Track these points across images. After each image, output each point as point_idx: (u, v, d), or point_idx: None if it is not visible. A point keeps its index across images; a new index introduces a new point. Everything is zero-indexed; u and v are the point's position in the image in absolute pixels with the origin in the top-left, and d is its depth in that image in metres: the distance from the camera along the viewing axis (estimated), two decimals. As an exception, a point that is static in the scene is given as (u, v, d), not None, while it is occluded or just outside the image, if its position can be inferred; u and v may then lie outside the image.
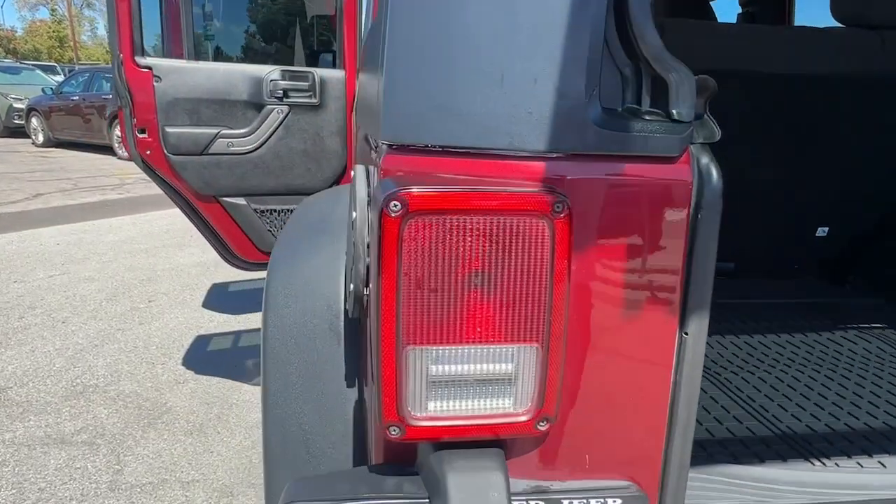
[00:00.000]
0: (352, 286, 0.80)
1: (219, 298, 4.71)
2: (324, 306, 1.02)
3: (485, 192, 0.64)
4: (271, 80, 2.48)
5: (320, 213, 1.36)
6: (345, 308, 1.02)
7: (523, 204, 0.63)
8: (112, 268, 5.41)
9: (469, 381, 0.68)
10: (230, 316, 4.35)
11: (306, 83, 2.54)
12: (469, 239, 0.63)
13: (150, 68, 2.33)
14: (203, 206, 2.53)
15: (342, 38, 2.64)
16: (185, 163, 2.43)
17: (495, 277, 0.64)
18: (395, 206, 0.63)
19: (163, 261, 5.68)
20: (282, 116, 2.52)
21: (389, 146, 0.69)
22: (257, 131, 2.50)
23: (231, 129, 2.48)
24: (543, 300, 0.65)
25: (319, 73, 2.57)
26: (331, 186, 2.70)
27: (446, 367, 0.68)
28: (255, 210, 2.60)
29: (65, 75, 18.36)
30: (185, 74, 2.38)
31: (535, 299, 0.65)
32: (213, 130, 2.45)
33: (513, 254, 0.64)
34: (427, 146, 0.68)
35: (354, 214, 0.79)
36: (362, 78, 1.39)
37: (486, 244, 0.63)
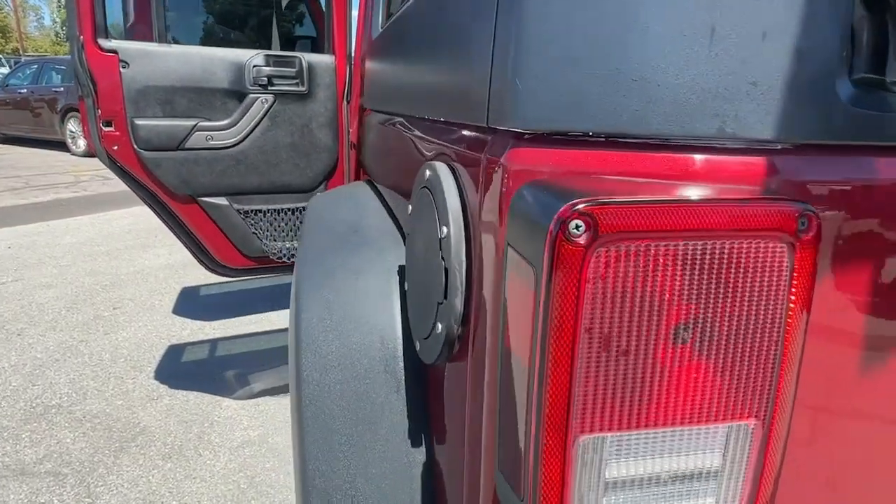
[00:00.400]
0: (438, 326, 0.60)
1: (190, 303, 4.40)
2: (376, 342, 0.80)
3: (711, 204, 0.44)
4: (254, 66, 2.23)
5: (347, 220, 1.15)
6: (404, 344, 0.80)
7: (758, 220, 0.43)
8: (71, 273, 5.03)
9: (660, 480, 0.48)
10: (204, 322, 4.06)
11: (293, 69, 2.30)
12: (681, 273, 0.43)
13: (115, 52, 2.05)
14: (179, 208, 2.27)
15: (331, 19, 2.40)
16: (159, 159, 2.17)
17: (711, 328, 0.44)
18: (578, 226, 0.42)
19: (126, 263, 5.31)
20: (266, 106, 2.27)
21: (519, 135, 0.48)
22: (239, 123, 2.25)
23: (210, 120, 2.22)
24: (771, 357, 0.46)
25: (307, 58, 2.32)
26: (321, 183, 2.47)
27: (632, 463, 0.48)
28: (238, 211, 2.34)
29: (10, 67, 17.37)
30: (157, 59, 2.10)
31: (762, 357, 0.46)
32: (190, 123, 2.18)
33: (738, 291, 0.44)
34: (585, 135, 0.47)
35: (445, 231, 0.59)
36: (408, 37, 1.17)
37: (704, 279, 0.43)
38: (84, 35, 2.01)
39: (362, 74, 2.66)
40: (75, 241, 6.00)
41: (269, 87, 2.26)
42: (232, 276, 2.53)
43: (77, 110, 10.92)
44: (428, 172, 0.73)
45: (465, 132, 0.66)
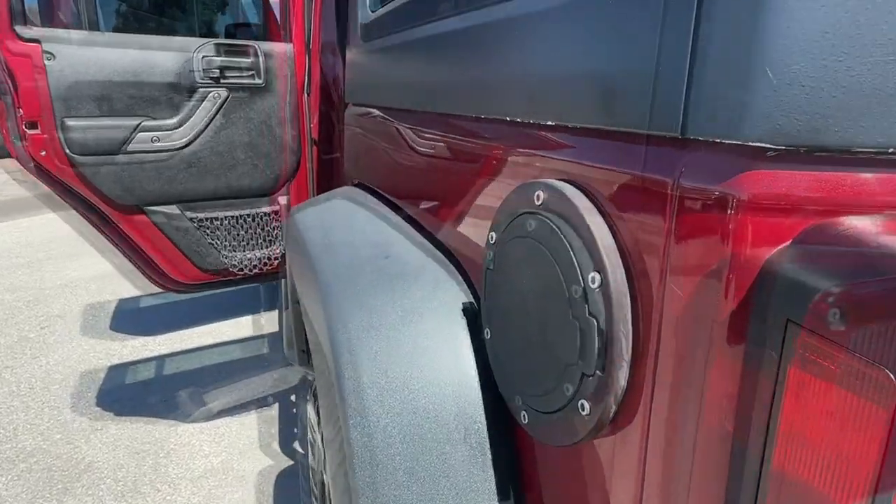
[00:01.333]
0: (583, 404, 0.44)
1: (129, 317, 4.04)
2: (450, 406, 0.63)
3: None
4: (204, 57, 1.98)
5: (369, 242, 0.95)
6: (487, 407, 0.64)
7: None
8: (-13, 289, 4.53)
9: None
10: (147, 338, 3.73)
11: (247, 60, 2.06)
12: None
13: (36, 41, 1.76)
14: (123, 219, 2.00)
15: (288, 4, 2.17)
16: (97, 165, 1.89)
17: None
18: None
19: (51, 276, 4.84)
20: (219, 102, 2.03)
21: (759, 152, 0.33)
22: (189, 121, 2.00)
23: (155, 119, 1.96)
24: None
25: (263, 47, 2.09)
26: (284, 185, 2.25)
27: None
28: (191, 220, 2.09)
29: None
30: (88, 49, 1.82)
31: None
32: (132, 122, 1.92)
33: None
34: (851, 151, 0.33)
35: (595, 279, 0.43)
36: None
37: None
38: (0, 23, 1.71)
39: (334, 65, 2.44)
40: (-11, 253, 5.43)
41: (222, 81, 2.02)
42: (186, 292, 2.27)
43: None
44: (542, 195, 0.57)
45: (620, 142, 0.49)
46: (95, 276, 4.79)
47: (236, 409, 2.96)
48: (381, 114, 1.31)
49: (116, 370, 3.33)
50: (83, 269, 4.97)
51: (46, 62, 1.77)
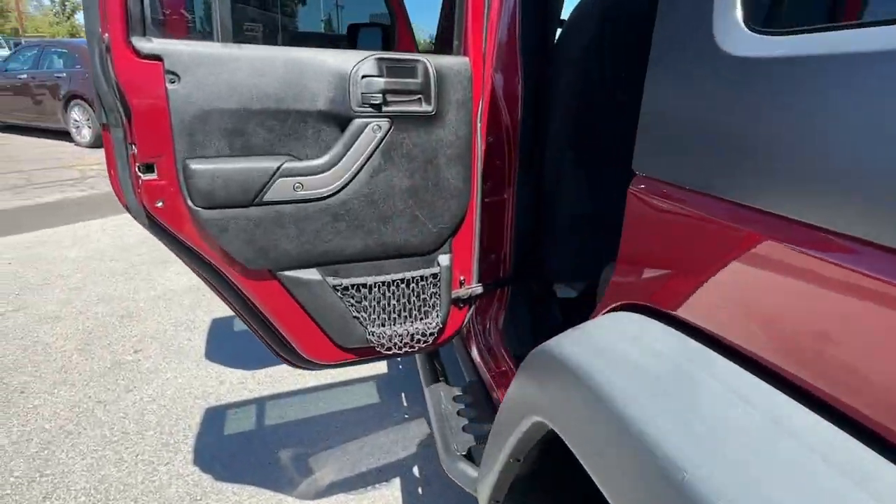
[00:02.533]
0: None
1: (224, 343, 3.69)
2: None
3: None
4: (364, 77, 1.48)
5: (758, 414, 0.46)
6: None
7: None
8: (81, 298, 4.32)
9: None
10: (246, 373, 3.36)
11: (415, 80, 1.55)
12: None
13: (158, 58, 1.31)
14: (253, 287, 1.54)
15: (463, 7, 1.65)
16: (226, 220, 1.43)
17: None
18: None
19: (144, 285, 4.60)
20: (379, 136, 1.53)
21: None
22: (341, 162, 1.51)
23: (298, 159, 1.48)
24: None
25: (433, 62, 1.58)
26: (446, 241, 1.73)
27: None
28: (334, 288, 1.61)
29: (10, 48, 16.51)
30: (221, 67, 1.36)
31: None
32: (272, 164, 1.45)
33: None
34: None
35: None
36: None
37: None
38: (111, 33, 1.26)
39: (508, 84, 1.90)
40: (84, 255, 5.28)
41: (384, 108, 1.51)
42: (315, 370, 1.81)
43: (82, 98, 10.15)
44: None
45: None
46: (189, 288, 4.51)
47: (351, 482, 2.50)
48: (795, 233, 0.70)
49: (213, 416, 2.95)
50: (176, 279, 4.70)
51: (169, 86, 1.32)
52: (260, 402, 3.08)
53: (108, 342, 3.68)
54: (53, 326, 3.86)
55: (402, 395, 3.20)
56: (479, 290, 1.85)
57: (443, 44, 2.53)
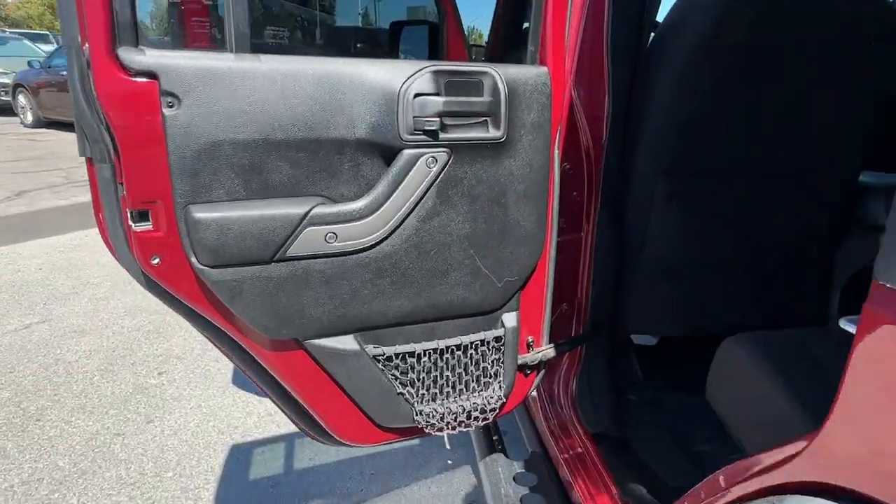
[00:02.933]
0: None
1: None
2: None
3: None
4: (416, 97, 1.15)
5: None
6: None
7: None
8: (108, 310, 4.13)
9: None
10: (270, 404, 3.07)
11: (481, 99, 1.21)
12: None
13: (153, 75, 1.00)
14: (275, 359, 1.23)
15: (541, 2, 1.30)
16: (240, 282, 1.12)
17: None
18: None
19: (174, 296, 4.38)
20: (435, 171, 1.20)
21: None
22: (386, 204, 1.18)
23: (331, 201, 1.16)
24: None
25: (503, 73, 1.23)
26: (512, 297, 1.39)
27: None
28: (375, 359, 1.29)
29: (58, 44, 16.76)
30: (234, 86, 1.05)
31: None
32: (298, 209, 1.13)
33: None
34: None
35: None
36: None
37: None
38: (92, 42, 0.96)
39: (597, 103, 1.54)
40: (115, 261, 5.11)
41: (442, 135, 1.18)
42: (345, 446, 1.49)
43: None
44: None
45: None
46: (218, 302, 4.27)
47: (388, 547, 2.20)
48: None
49: (238, 456, 2.68)
50: (206, 290, 4.47)
51: (167, 111, 1.01)
52: (289, 441, 2.80)
53: (132, 361, 3.46)
54: (78, 342, 3.67)
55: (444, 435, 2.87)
56: (550, 352, 1.50)
57: (497, 49, 2.17)
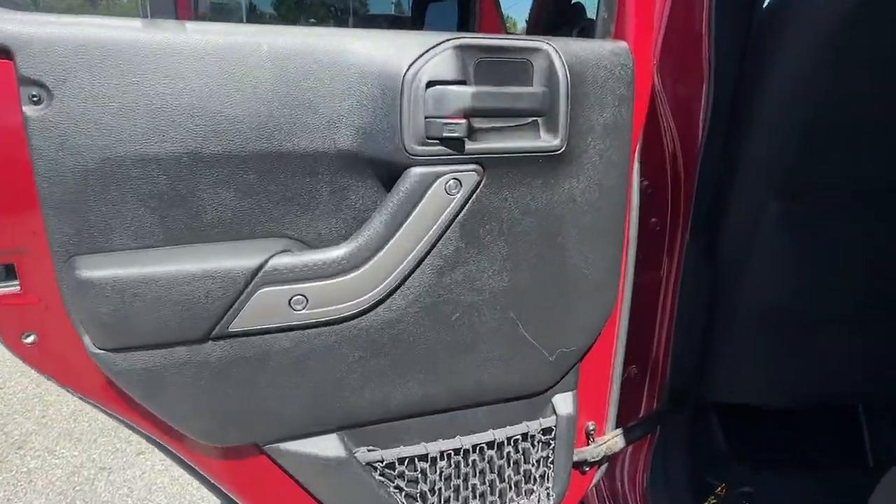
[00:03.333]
0: None
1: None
2: None
3: None
4: (429, 85, 0.74)
5: None
6: None
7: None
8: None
9: None
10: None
11: (530, 90, 0.79)
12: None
13: (6, 53, 0.61)
14: (223, 470, 0.85)
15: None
16: (158, 370, 0.73)
17: None
18: None
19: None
20: (460, 197, 0.79)
21: None
22: (385, 249, 0.78)
23: (301, 242, 0.76)
24: None
25: (564, 50, 0.81)
26: (567, 373, 0.98)
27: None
28: (369, 465, 0.90)
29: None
30: (138, 70, 0.65)
31: None
32: (246, 262, 0.73)
33: None
34: None
35: None
36: None
37: None
38: None
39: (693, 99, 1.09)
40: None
41: (470, 145, 0.77)
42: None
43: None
44: None
45: None
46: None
47: None
48: None
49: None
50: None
51: (29, 111, 0.63)
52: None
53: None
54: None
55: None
56: (618, 443, 1.09)
57: (543, 24, 1.75)
